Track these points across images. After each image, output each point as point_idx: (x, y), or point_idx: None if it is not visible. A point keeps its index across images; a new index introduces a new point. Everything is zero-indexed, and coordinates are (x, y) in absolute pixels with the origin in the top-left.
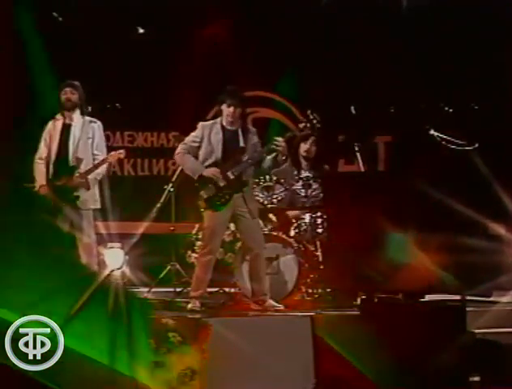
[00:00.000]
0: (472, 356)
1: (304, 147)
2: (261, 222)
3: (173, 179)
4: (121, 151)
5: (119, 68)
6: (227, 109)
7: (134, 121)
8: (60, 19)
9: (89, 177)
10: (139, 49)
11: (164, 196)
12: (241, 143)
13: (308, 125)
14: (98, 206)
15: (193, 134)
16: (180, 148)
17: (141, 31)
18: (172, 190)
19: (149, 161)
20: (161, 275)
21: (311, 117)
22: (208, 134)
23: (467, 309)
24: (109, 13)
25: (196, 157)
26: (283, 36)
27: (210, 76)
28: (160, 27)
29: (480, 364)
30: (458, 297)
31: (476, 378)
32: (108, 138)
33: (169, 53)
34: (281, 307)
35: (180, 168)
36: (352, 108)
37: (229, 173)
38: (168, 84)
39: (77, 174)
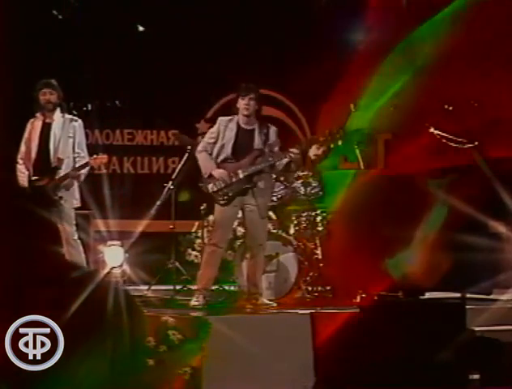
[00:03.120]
0: (472, 354)
1: (314, 152)
2: None
3: (173, 177)
4: (105, 156)
5: (119, 66)
6: (241, 102)
7: (133, 119)
8: (60, 16)
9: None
10: (139, 47)
11: (163, 194)
12: (257, 143)
13: (329, 138)
14: (78, 204)
15: (210, 130)
16: (199, 146)
17: (141, 29)
18: (172, 187)
19: (149, 159)
20: (161, 274)
21: (335, 131)
22: (224, 130)
23: (467, 306)
24: (109, 11)
25: (213, 153)
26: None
27: (210, 74)
28: (160, 25)
29: (480, 362)
30: (458, 295)
31: (476, 376)
32: (107, 137)
33: (169, 51)
34: (274, 305)
35: (180, 166)
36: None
37: (240, 172)
38: (168, 82)
39: (59, 176)
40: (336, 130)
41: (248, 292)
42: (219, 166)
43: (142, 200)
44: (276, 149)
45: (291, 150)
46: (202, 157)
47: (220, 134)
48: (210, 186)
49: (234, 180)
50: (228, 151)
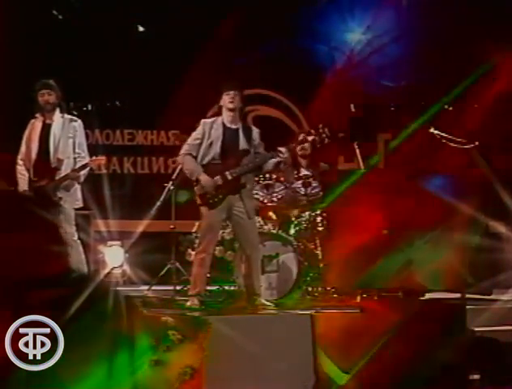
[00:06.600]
0: (472, 354)
1: (298, 146)
2: (261, 220)
3: (173, 177)
4: (103, 157)
5: (119, 66)
6: (226, 98)
7: (133, 119)
8: (60, 17)
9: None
10: (139, 47)
11: (164, 194)
12: (242, 143)
13: (317, 138)
14: (80, 205)
15: (194, 132)
16: (183, 149)
17: (141, 29)
18: (172, 188)
19: (149, 159)
20: (161, 274)
21: (321, 130)
22: (209, 131)
23: (467, 307)
24: (109, 11)
25: (198, 155)
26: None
27: (210, 74)
28: (160, 25)
29: (480, 362)
30: (458, 295)
31: (476, 377)
32: (107, 137)
33: (169, 51)
34: (271, 305)
35: (180, 167)
36: (352, 106)
37: (227, 173)
38: (168, 82)
39: (58, 177)
40: (321, 128)
41: (246, 292)
42: (205, 169)
43: (142, 200)
44: (261, 150)
45: (279, 149)
46: (187, 160)
47: (206, 134)
48: (197, 188)
49: (222, 182)
50: (216, 149)
